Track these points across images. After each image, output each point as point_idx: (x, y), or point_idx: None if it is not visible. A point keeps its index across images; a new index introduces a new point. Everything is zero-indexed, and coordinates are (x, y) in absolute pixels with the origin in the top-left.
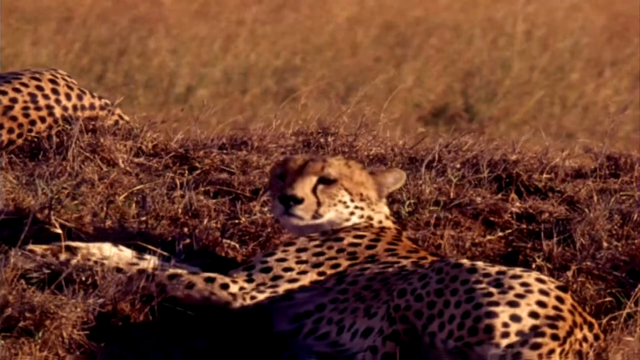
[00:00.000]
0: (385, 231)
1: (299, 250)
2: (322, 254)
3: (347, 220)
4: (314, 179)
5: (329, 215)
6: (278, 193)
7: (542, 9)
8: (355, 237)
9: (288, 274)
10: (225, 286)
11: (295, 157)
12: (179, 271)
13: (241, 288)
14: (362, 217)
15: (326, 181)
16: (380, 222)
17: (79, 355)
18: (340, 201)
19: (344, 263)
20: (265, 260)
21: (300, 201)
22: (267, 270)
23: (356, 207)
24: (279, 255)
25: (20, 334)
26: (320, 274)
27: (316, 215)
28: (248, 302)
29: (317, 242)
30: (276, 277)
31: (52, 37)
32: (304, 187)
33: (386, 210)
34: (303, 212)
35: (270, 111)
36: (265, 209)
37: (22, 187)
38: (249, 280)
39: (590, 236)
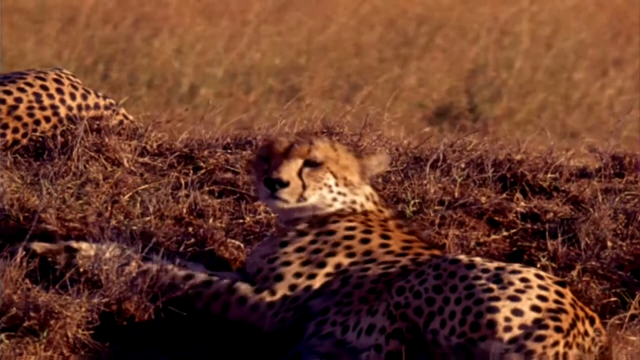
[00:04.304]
0: (368, 216)
1: (298, 250)
2: (319, 250)
3: (330, 205)
4: (299, 162)
5: (314, 198)
6: (263, 176)
7: (546, 9)
8: (347, 229)
9: (303, 282)
10: (255, 307)
11: (281, 139)
12: (216, 286)
13: (269, 304)
14: (344, 202)
15: (312, 164)
16: (362, 205)
17: (83, 355)
18: (325, 184)
19: (345, 260)
20: (274, 267)
21: (285, 184)
22: (280, 278)
23: (339, 193)
24: (283, 258)
25: (25, 333)
26: (327, 275)
27: (301, 198)
28: (275, 318)
29: (310, 238)
30: (293, 286)
31: (56, 36)
32: (289, 170)
33: (367, 190)
34: (288, 195)
35: (275, 111)
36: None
37: (26, 186)
38: (271, 293)
39: (594, 236)
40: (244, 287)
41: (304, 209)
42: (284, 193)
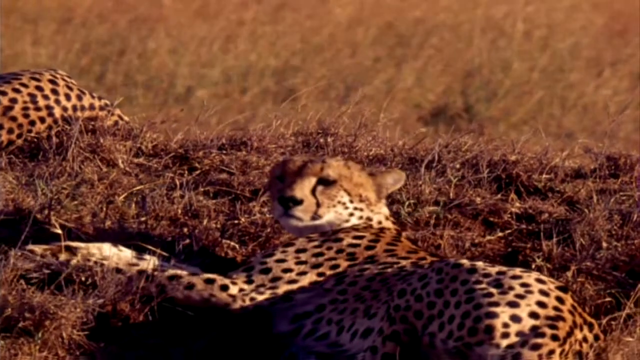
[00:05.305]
0: (384, 232)
1: (298, 251)
2: (321, 254)
3: (347, 221)
4: (313, 180)
5: (328, 216)
6: (277, 194)
7: (541, 9)
8: (355, 237)
9: (287, 275)
10: (224, 287)
11: (295, 158)
12: (179, 272)
13: (240, 290)
14: (361, 218)
15: (325, 182)
16: (379, 222)
17: (78, 356)
18: (339, 202)
19: (343, 264)
20: (265, 261)
21: (299, 202)
22: (267, 271)
23: (355, 208)
24: (278, 256)
25: (20, 334)
26: (319, 274)
27: (315, 216)
28: (247, 303)
29: (316, 243)
30: (275, 279)
31: (52, 37)
32: (303, 188)
33: (385, 210)
34: (302, 213)
35: (270, 111)
36: (265, 209)
37: (21, 187)
38: (249, 281)
39: (589, 236)
40: (220, 277)
41: (319, 227)
42: (298, 211)
